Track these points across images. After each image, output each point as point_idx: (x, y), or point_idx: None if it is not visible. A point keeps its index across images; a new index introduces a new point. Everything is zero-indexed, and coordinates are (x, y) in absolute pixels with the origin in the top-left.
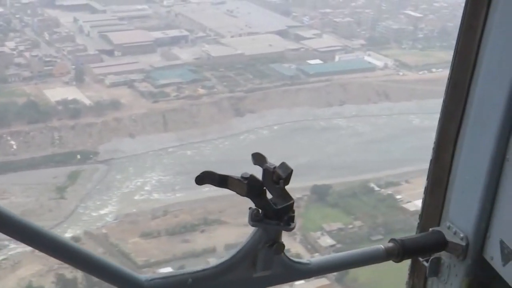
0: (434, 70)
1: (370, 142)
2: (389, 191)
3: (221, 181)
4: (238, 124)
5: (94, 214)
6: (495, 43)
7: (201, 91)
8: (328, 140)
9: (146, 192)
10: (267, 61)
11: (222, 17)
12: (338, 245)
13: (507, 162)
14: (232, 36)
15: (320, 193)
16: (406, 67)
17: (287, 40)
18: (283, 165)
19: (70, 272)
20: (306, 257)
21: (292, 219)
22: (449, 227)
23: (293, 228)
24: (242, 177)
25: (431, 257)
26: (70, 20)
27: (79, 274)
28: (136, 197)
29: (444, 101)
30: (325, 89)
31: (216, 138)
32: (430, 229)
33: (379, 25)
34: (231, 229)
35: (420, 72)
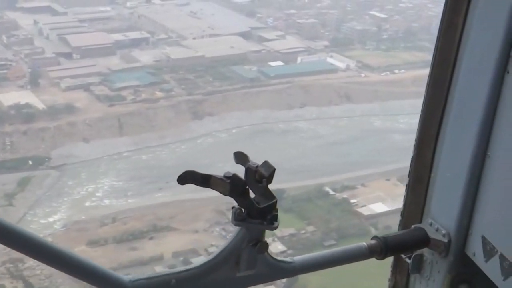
0: (396, 71)
1: (330, 144)
2: (344, 195)
3: (203, 180)
4: (196, 127)
5: (42, 221)
6: (476, 40)
7: (159, 94)
8: (288, 143)
9: (97, 199)
10: (228, 63)
11: (186, 18)
12: (289, 251)
13: (488, 158)
14: (194, 38)
15: None
16: (369, 68)
17: (250, 41)
18: (266, 163)
19: (11, 283)
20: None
21: (275, 218)
22: (431, 224)
23: (276, 227)
24: (224, 176)
25: (414, 254)
26: (30, 23)
27: (19, 285)
28: (87, 204)
29: (425, 99)
30: (286, 91)
31: (173, 142)
32: (412, 226)
33: (344, 26)
34: (180, 236)
35: (383, 74)
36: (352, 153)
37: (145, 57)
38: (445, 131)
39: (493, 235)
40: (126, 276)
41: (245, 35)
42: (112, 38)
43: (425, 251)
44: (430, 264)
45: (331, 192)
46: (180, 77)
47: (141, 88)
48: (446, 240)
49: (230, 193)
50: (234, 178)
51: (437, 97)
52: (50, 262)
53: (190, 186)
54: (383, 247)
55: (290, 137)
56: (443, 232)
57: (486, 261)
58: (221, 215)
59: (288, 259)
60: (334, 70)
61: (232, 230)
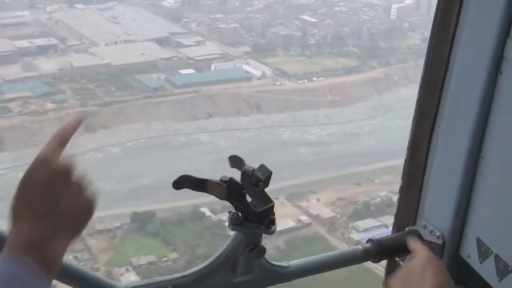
0: (315, 79)
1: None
2: (222, 216)
3: (199, 185)
4: (85, 141)
5: None
6: (469, 40)
7: (50, 105)
8: (184, 158)
9: None
10: (135, 72)
11: (104, 23)
12: None
13: (482, 159)
14: (106, 45)
15: (141, 221)
16: (286, 76)
17: (165, 48)
18: (262, 167)
19: None
20: None
21: (272, 222)
22: (425, 226)
23: (274, 231)
24: (221, 180)
25: (408, 257)
26: None
27: None
28: None
29: (418, 99)
30: (191, 101)
31: None
32: (406, 228)
33: (269, 31)
34: None
35: (300, 81)
36: None
37: (49, 65)
38: (439, 132)
39: (488, 236)
40: (120, 283)
41: (161, 41)
42: (15, 45)
43: None
44: None
45: (208, 214)
46: (79, 87)
47: (32, 100)
48: (440, 242)
49: (227, 197)
50: (230, 182)
51: (430, 97)
52: None
53: None
54: (378, 250)
55: (188, 151)
56: (437, 234)
57: (481, 262)
58: None
59: (284, 263)
60: (248, 78)
61: None
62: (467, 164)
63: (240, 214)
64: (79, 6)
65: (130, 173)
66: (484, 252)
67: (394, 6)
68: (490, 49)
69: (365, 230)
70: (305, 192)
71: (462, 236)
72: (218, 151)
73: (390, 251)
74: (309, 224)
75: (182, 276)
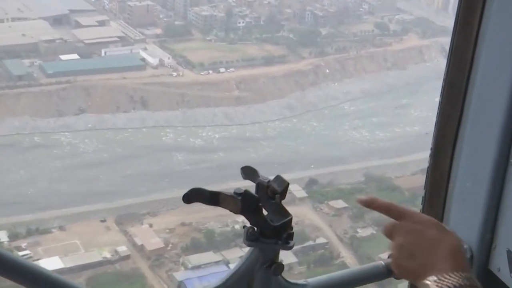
0: (222, 70)
1: (81, 167)
2: (23, 243)
3: (211, 198)
4: None
5: None
6: (493, 39)
7: None
8: (29, 163)
9: None
10: (8, 56)
11: None
12: None
13: (511, 166)
14: None
15: None
16: (190, 65)
17: (58, 28)
18: (278, 178)
19: None
20: None
21: (291, 236)
22: None
23: (292, 247)
24: (235, 193)
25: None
26: None
27: None
28: None
29: (440, 103)
30: (60, 93)
31: None
32: None
33: (190, 10)
34: None
35: (203, 73)
36: (101, 179)
37: None
38: (463, 138)
39: None
40: None
41: (59, 20)
42: None
43: None
44: None
45: (4, 239)
46: None
47: None
48: (468, 256)
49: (242, 211)
50: (246, 194)
51: (454, 101)
52: (27, 282)
53: None
54: None
55: (39, 154)
56: (465, 247)
57: None
58: None
59: (301, 281)
60: (142, 66)
61: None
62: (495, 171)
63: (255, 228)
64: None
65: None
66: None
67: None
68: None
69: (197, 267)
70: (143, 213)
71: (491, 249)
72: (73, 156)
73: None
74: (126, 257)
75: None
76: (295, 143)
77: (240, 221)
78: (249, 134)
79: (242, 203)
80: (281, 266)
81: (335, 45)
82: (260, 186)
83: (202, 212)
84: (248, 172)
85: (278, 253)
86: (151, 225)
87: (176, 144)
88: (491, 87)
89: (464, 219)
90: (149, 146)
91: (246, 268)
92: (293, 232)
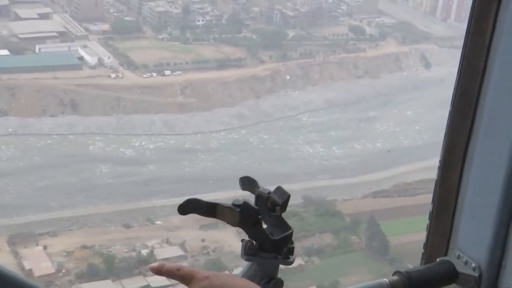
0: (168, 72)
1: None
2: None
3: (209, 210)
4: None
5: None
6: (507, 47)
7: None
8: None
9: None
10: None
11: None
12: None
13: None
14: None
15: None
16: (132, 66)
17: None
18: (279, 189)
19: None
20: None
21: (291, 251)
22: (459, 257)
23: (292, 262)
24: (233, 204)
25: None
26: None
27: None
28: None
29: (450, 113)
30: None
31: None
32: (438, 259)
33: (145, 6)
34: None
35: (146, 75)
36: (9, 191)
37: None
38: (474, 150)
39: None
40: None
41: None
42: None
43: (453, 287)
44: None
45: None
46: None
47: None
48: (476, 274)
49: (240, 224)
50: (244, 206)
51: (464, 111)
52: None
53: None
54: (407, 284)
55: None
56: (473, 265)
57: None
58: None
59: None
60: (78, 66)
61: None
62: (506, 186)
63: (254, 242)
64: None
65: None
66: None
67: None
68: None
69: None
70: (41, 233)
71: (501, 267)
72: None
73: (420, 284)
74: None
75: None
76: (238, 157)
77: (151, 245)
78: (188, 145)
79: (240, 215)
80: (280, 282)
81: (300, 49)
82: (260, 197)
83: (110, 234)
84: (247, 183)
85: (278, 268)
86: (45, 247)
87: (104, 154)
88: (504, 96)
89: (473, 235)
90: (72, 155)
91: None
92: (293, 247)
